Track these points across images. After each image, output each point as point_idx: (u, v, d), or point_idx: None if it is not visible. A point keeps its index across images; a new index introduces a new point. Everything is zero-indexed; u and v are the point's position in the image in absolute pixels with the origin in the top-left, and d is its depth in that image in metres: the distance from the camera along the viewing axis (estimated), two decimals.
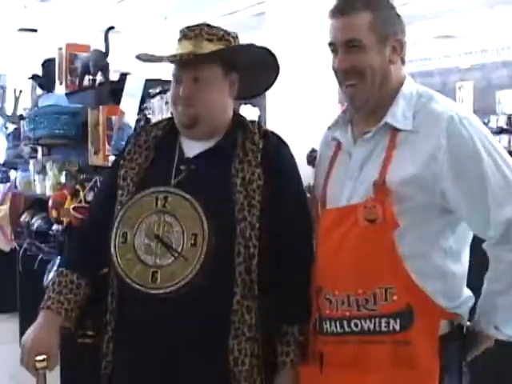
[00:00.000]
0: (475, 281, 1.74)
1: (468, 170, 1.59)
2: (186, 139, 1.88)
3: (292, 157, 1.92)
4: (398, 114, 1.67)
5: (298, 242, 1.81)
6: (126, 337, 1.82)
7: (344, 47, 1.68)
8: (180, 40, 1.85)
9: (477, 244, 1.72)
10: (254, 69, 1.89)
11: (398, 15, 1.73)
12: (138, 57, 1.93)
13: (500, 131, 11.40)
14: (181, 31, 1.86)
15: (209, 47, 1.80)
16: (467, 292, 1.74)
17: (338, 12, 1.69)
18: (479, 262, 1.73)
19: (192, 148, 1.86)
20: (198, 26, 1.85)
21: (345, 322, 1.66)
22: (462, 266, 1.71)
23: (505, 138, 11.21)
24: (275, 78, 1.96)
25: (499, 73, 12.32)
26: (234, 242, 1.74)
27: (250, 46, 1.88)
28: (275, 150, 1.86)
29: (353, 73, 1.68)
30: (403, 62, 1.74)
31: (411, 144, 1.64)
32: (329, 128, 1.88)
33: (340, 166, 1.77)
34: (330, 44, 1.72)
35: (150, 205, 1.76)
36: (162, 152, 1.89)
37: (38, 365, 1.75)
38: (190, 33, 1.83)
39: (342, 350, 1.67)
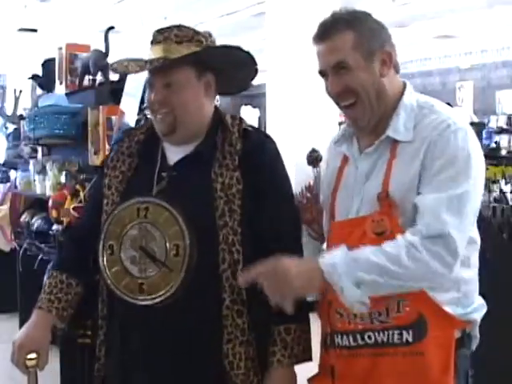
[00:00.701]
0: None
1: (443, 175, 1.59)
2: (167, 144, 1.86)
3: (275, 152, 1.88)
4: (400, 127, 1.67)
5: (284, 241, 1.79)
6: (117, 342, 1.84)
7: (333, 70, 1.68)
8: (152, 44, 1.82)
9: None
10: (231, 68, 1.86)
11: (383, 26, 1.71)
12: (114, 69, 1.91)
13: (500, 131, 11.40)
14: (152, 35, 1.83)
15: (178, 50, 1.76)
16: (479, 299, 1.73)
17: (319, 37, 1.69)
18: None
19: (174, 153, 1.84)
20: (168, 28, 1.80)
21: (358, 335, 1.65)
22: (472, 270, 1.71)
23: (505, 137, 11.21)
24: (255, 74, 1.91)
25: (499, 73, 12.33)
26: (218, 248, 1.73)
27: (221, 47, 1.84)
28: (255, 148, 1.82)
29: (346, 93, 1.68)
30: (397, 70, 1.73)
31: (408, 153, 1.64)
32: (335, 142, 1.87)
33: (347, 179, 1.77)
34: (320, 72, 1.72)
35: (132, 216, 1.75)
36: (145, 158, 1.87)
37: (29, 363, 1.75)
38: (160, 36, 1.80)
39: (355, 364, 1.66)
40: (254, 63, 1.86)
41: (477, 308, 1.70)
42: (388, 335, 1.62)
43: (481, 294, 1.75)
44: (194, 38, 1.80)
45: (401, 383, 1.61)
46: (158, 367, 1.77)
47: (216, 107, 1.90)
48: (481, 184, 1.65)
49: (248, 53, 1.83)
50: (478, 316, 1.69)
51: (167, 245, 1.71)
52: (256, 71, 1.89)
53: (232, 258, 1.73)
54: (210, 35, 1.85)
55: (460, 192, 1.58)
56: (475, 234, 1.70)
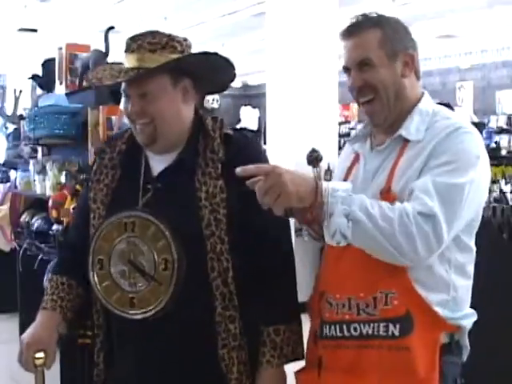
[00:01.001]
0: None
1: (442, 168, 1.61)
2: (150, 153, 1.85)
3: (259, 155, 1.87)
4: (413, 128, 1.71)
5: (274, 246, 1.80)
6: (113, 351, 1.86)
7: (357, 66, 1.73)
8: (126, 52, 1.78)
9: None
10: (209, 73, 1.84)
11: (407, 30, 1.77)
12: (88, 80, 1.87)
13: (500, 131, 11.42)
14: (126, 42, 1.79)
15: (152, 59, 1.73)
16: (469, 309, 1.73)
17: (347, 34, 1.75)
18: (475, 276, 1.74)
19: (157, 161, 1.83)
20: (141, 35, 1.77)
21: (344, 326, 1.67)
22: (465, 279, 1.71)
23: (505, 137, 11.23)
24: (234, 77, 1.89)
25: (499, 73, 12.33)
26: (206, 257, 1.73)
27: (196, 54, 1.80)
28: (238, 154, 1.79)
29: (366, 89, 1.72)
30: (418, 77, 1.78)
31: (415, 151, 1.67)
32: (349, 141, 1.91)
33: (355, 176, 1.80)
34: (344, 68, 1.77)
35: (119, 230, 1.75)
36: (128, 169, 1.86)
37: (37, 362, 1.76)
38: (133, 44, 1.76)
39: (341, 355, 1.67)
40: (233, 67, 1.84)
41: (466, 315, 1.70)
42: (373, 327, 1.63)
43: (481, 294, 1.75)
44: (168, 44, 1.76)
45: (385, 377, 1.61)
46: (153, 380, 1.79)
47: (196, 110, 1.87)
48: (482, 189, 1.67)
49: (225, 58, 1.80)
50: (467, 324, 1.70)
51: (156, 259, 1.71)
52: (235, 75, 1.87)
53: (221, 267, 1.74)
54: (185, 39, 1.81)
55: (453, 182, 1.59)
56: (472, 244, 1.72)
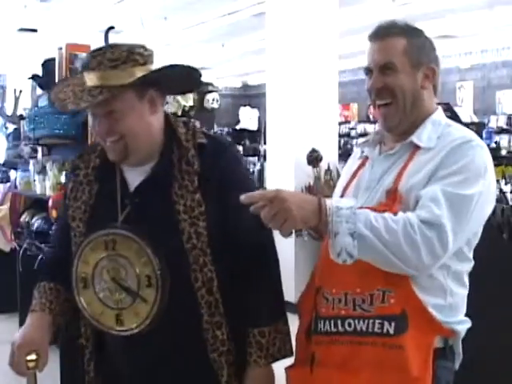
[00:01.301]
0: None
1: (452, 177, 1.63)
2: (124, 166, 1.82)
3: (235, 162, 1.84)
4: (424, 136, 1.73)
5: (255, 252, 1.79)
6: (103, 361, 1.87)
7: (379, 69, 1.76)
8: (86, 69, 1.73)
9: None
10: (174, 81, 1.81)
11: (433, 45, 1.83)
12: (52, 101, 1.83)
13: (500, 131, 11.44)
14: (86, 58, 1.75)
15: (114, 76, 1.69)
16: (464, 317, 1.74)
17: (374, 36, 1.79)
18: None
19: (133, 174, 1.81)
20: (100, 50, 1.73)
21: (339, 322, 1.68)
22: (462, 287, 1.73)
23: (505, 137, 11.25)
24: (200, 83, 1.89)
25: (499, 73, 12.34)
26: (189, 270, 1.73)
27: (160, 70, 1.76)
28: (212, 166, 1.77)
29: (385, 92, 1.75)
30: (435, 92, 1.82)
31: (425, 157, 1.69)
32: (359, 145, 1.94)
33: (361, 176, 1.83)
34: (366, 68, 1.79)
35: (100, 248, 1.74)
36: (104, 183, 1.83)
37: (29, 364, 1.73)
38: (93, 61, 1.71)
39: (334, 351, 1.68)
40: (198, 73, 1.81)
41: (460, 321, 1.71)
42: (368, 324, 1.63)
43: (481, 294, 1.75)
44: (129, 57, 1.72)
45: (378, 374, 1.61)
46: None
47: (166, 116, 1.84)
48: (488, 202, 1.69)
49: (189, 66, 1.77)
50: (461, 329, 1.70)
51: (139, 276, 1.71)
52: (201, 82, 1.87)
53: (205, 277, 1.74)
54: (146, 49, 1.77)
55: (463, 193, 1.61)
56: (471, 256, 1.73)
